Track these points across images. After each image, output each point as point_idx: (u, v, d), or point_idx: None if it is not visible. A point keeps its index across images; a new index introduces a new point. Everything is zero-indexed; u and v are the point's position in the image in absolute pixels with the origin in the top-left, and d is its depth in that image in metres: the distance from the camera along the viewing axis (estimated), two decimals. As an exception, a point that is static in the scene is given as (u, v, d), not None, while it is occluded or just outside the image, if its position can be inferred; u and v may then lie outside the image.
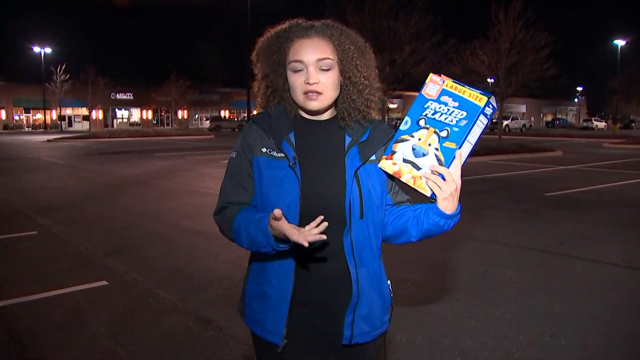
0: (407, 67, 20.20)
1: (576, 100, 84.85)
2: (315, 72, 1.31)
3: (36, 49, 49.42)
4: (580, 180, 11.23)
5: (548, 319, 3.57)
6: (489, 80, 24.05)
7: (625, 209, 7.84)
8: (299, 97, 1.34)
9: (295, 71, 1.33)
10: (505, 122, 40.06)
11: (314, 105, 1.33)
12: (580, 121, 63.43)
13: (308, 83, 1.31)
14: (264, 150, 1.35)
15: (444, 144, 1.24)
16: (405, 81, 20.61)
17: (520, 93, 24.90)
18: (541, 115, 76.26)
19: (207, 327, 3.45)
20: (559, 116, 72.58)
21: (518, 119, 49.22)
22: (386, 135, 1.39)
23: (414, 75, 20.07)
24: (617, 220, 6.90)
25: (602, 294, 4.08)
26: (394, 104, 54.27)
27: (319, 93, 1.32)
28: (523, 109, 70.35)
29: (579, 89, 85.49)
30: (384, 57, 19.06)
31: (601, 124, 55.80)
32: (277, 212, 1.15)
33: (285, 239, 1.20)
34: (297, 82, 1.33)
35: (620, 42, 48.48)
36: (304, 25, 1.38)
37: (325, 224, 1.16)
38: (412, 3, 20.32)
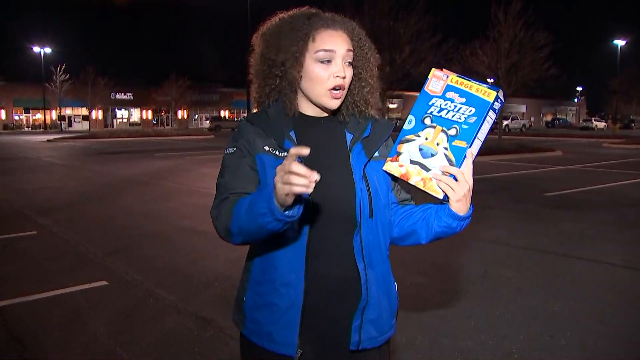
0: (407, 67, 20.22)
1: (576, 100, 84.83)
2: (344, 66, 1.25)
3: (36, 49, 49.45)
4: (580, 180, 11.23)
5: (548, 319, 3.57)
6: (489, 80, 24.06)
7: (625, 209, 7.84)
8: (321, 92, 1.25)
9: (323, 62, 1.24)
10: (505, 122, 40.05)
11: (335, 103, 1.27)
12: (580, 121, 63.43)
13: (339, 77, 1.24)
14: (266, 148, 1.26)
15: (453, 143, 1.19)
16: (405, 81, 20.64)
17: (520, 93, 24.93)
18: (541, 115, 76.22)
19: (207, 327, 3.45)
20: (558, 116, 72.57)
21: (518, 118, 49.23)
22: (386, 129, 1.35)
23: (414, 75, 20.10)
24: (617, 220, 6.90)
25: (602, 294, 4.08)
26: (394, 104, 54.22)
27: (343, 89, 1.26)
28: (523, 109, 70.31)
29: (579, 89, 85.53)
30: (384, 57, 19.04)
31: (601, 124, 55.82)
32: (294, 150, 1.01)
33: (289, 206, 1.05)
34: (323, 74, 1.24)
35: (620, 42, 48.55)
36: (328, 16, 1.31)
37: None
38: (412, 3, 20.35)
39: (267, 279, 1.27)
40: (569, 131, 45.55)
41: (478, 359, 3.02)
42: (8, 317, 3.65)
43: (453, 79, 1.23)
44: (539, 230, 6.36)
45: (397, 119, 41.12)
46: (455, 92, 1.22)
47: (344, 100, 1.33)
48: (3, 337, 3.32)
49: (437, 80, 1.24)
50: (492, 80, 23.77)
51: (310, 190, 1.00)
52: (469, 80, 1.22)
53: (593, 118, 60.68)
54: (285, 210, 1.05)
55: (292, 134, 1.27)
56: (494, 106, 1.19)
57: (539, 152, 18.77)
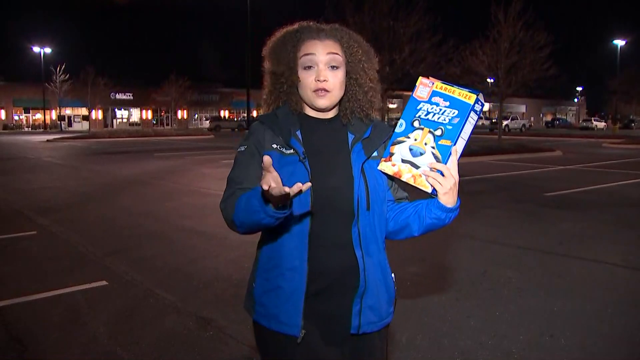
0: (407, 67, 20.15)
1: (576, 100, 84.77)
2: (325, 69, 1.39)
3: (36, 49, 49.42)
4: (580, 180, 11.23)
5: (548, 319, 3.58)
6: (488, 80, 24.05)
7: (625, 209, 7.84)
8: (309, 94, 1.40)
9: (306, 67, 1.39)
10: (505, 122, 40.02)
11: (322, 102, 1.40)
12: (580, 121, 63.42)
13: (318, 80, 1.37)
14: (274, 146, 1.39)
15: (439, 142, 1.32)
16: (405, 81, 20.58)
17: (520, 93, 24.87)
18: (541, 115, 76.21)
19: (207, 327, 3.45)
20: (558, 116, 72.55)
21: (518, 119, 49.15)
22: (385, 132, 1.46)
23: (413, 75, 20.01)
24: (617, 220, 6.90)
25: (602, 294, 4.08)
26: (394, 104, 54.23)
27: (327, 91, 1.39)
28: (523, 109, 70.30)
29: (579, 89, 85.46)
30: (384, 57, 18.99)
31: (601, 124, 55.84)
32: (267, 159, 1.14)
33: (281, 207, 1.19)
34: (307, 79, 1.39)
35: (620, 42, 48.49)
36: (314, 27, 1.44)
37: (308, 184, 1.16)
38: (412, 3, 20.32)
39: (273, 265, 1.40)
40: (569, 131, 45.56)
41: (478, 359, 3.03)
42: (8, 317, 3.65)
43: (438, 85, 1.36)
44: (539, 230, 6.36)
45: (397, 119, 41.13)
46: (440, 97, 1.35)
47: (347, 103, 1.47)
48: (3, 337, 3.32)
49: (424, 87, 1.38)
50: (492, 81, 23.78)
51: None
52: (452, 86, 1.35)
53: (593, 118, 60.65)
54: (278, 208, 1.20)
55: (298, 133, 1.41)
56: (475, 108, 1.32)
57: (539, 152, 18.78)
